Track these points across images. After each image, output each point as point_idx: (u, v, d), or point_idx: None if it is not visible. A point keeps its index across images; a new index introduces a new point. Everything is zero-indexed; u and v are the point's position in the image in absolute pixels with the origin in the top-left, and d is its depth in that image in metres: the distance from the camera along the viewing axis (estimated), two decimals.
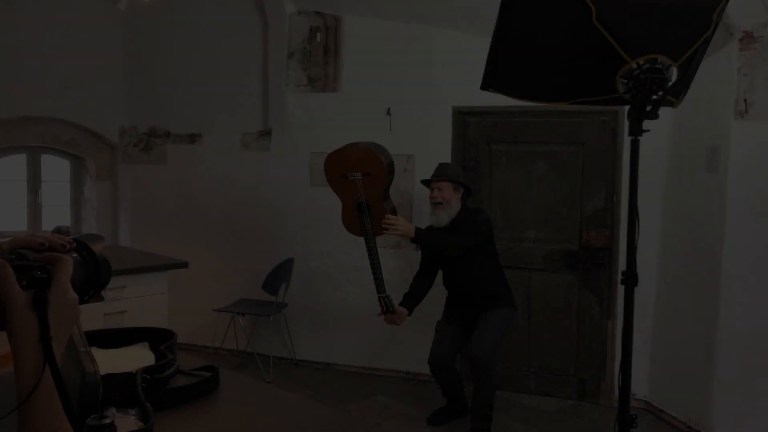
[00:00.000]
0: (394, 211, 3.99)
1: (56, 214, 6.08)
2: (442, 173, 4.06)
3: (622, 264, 2.54)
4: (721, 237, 3.75)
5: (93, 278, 1.02)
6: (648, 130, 1.95)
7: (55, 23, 5.50)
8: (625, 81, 1.95)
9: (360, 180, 3.81)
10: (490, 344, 3.85)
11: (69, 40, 5.58)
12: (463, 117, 4.75)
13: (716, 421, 3.82)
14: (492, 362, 3.85)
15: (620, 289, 2.42)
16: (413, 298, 4.12)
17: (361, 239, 4.00)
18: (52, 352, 0.86)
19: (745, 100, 3.65)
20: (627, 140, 2.06)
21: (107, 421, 1.32)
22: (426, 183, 4.14)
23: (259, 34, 5.36)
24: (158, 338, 2.06)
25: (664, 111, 2.10)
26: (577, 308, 4.58)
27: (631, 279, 1.95)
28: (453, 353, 4.08)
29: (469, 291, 4.02)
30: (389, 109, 4.87)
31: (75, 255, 1.00)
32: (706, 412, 3.88)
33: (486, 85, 2.18)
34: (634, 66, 1.91)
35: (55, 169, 6.09)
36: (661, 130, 4.14)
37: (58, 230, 1.87)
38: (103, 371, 1.63)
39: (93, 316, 3.60)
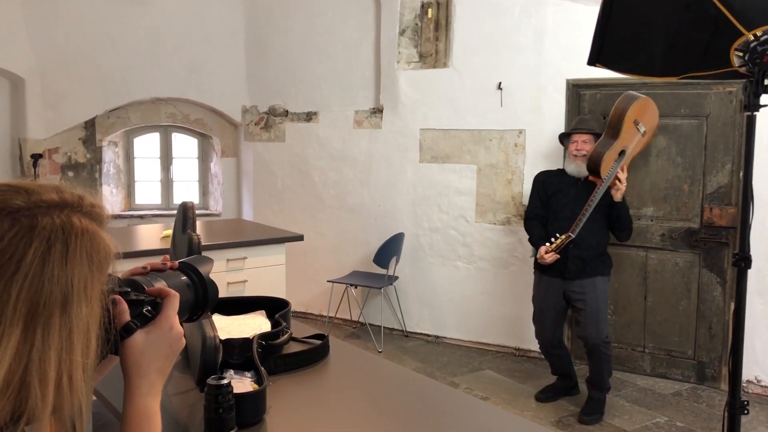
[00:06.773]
0: None
1: (185, 189, 6.54)
2: (584, 126, 4.03)
3: (750, 243, 2.39)
4: None
5: (201, 299, 1.06)
6: (766, 105, 1.84)
7: (184, 11, 5.87)
8: (741, 54, 1.84)
9: (641, 134, 3.87)
10: (603, 327, 3.89)
11: (196, 26, 5.94)
12: (577, 90, 4.62)
13: None
14: (607, 341, 3.93)
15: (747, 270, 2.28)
16: (544, 239, 3.98)
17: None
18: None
19: None
20: (757, 114, 1.92)
21: (225, 381, 1.46)
22: (565, 135, 4.14)
23: (371, 12, 5.45)
24: (274, 307, 2.21)
25: None
26: (698, 289, 4.38)
27: (743, 261, 1.87)
28: (560, 333, 4.11)
29: (580, 249, 3.86)
30: (500, 83, 4.82)
31: (184, 278, 1.05)
32: None
33: (593, 60, 2.14)
34: (751, 38, 1.81)
35: (185, 147, 6.54)
36: None
37: (184, 206, 2.04)
38: (222, 336, 1.80)
39: (217, 285, 3.88)
